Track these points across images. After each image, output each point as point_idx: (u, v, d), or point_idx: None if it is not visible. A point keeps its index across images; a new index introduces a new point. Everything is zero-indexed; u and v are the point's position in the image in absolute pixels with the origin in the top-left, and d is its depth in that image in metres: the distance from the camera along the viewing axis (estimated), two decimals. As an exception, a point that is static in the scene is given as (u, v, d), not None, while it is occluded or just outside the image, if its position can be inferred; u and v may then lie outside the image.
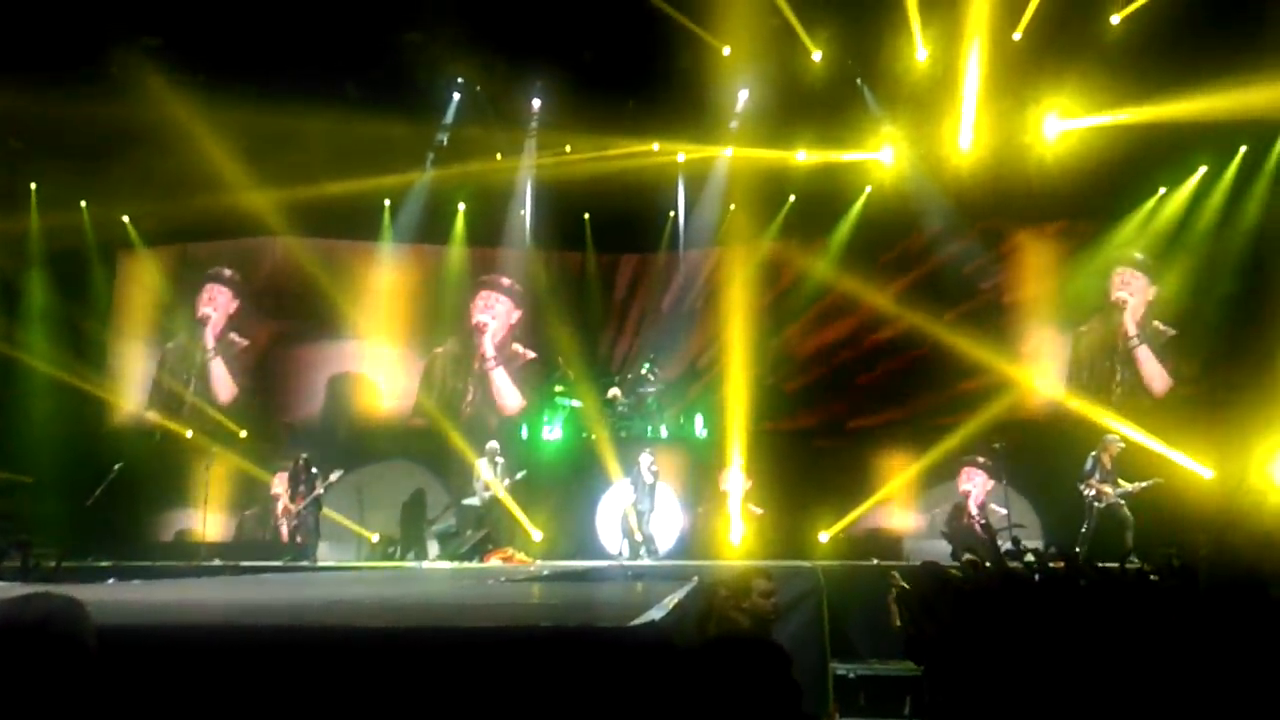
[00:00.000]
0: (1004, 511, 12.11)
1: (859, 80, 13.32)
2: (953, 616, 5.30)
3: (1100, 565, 7.44)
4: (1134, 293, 13.49)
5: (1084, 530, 10.94)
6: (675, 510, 13.04)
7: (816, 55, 12.69)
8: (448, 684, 2.78)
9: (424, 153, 14.53)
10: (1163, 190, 13.27)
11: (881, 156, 14.08)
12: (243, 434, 14.35)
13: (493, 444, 12.56)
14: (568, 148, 14.40)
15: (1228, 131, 12.04)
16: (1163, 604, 4.70)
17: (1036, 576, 7.07)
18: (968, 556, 8.45)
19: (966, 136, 13.26)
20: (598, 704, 2.70)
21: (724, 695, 2.50)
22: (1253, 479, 10.95)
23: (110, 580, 8.49)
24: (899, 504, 13.33)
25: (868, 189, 14.36)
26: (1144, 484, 10.88)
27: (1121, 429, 11.89)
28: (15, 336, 13.88)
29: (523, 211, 15.31)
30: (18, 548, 10.26)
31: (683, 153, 14.47)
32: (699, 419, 14.33)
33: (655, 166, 14.43)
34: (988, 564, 7.69)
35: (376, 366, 15.03)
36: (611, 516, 12.83)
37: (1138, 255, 13.50)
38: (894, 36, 12.31)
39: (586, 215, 15.24)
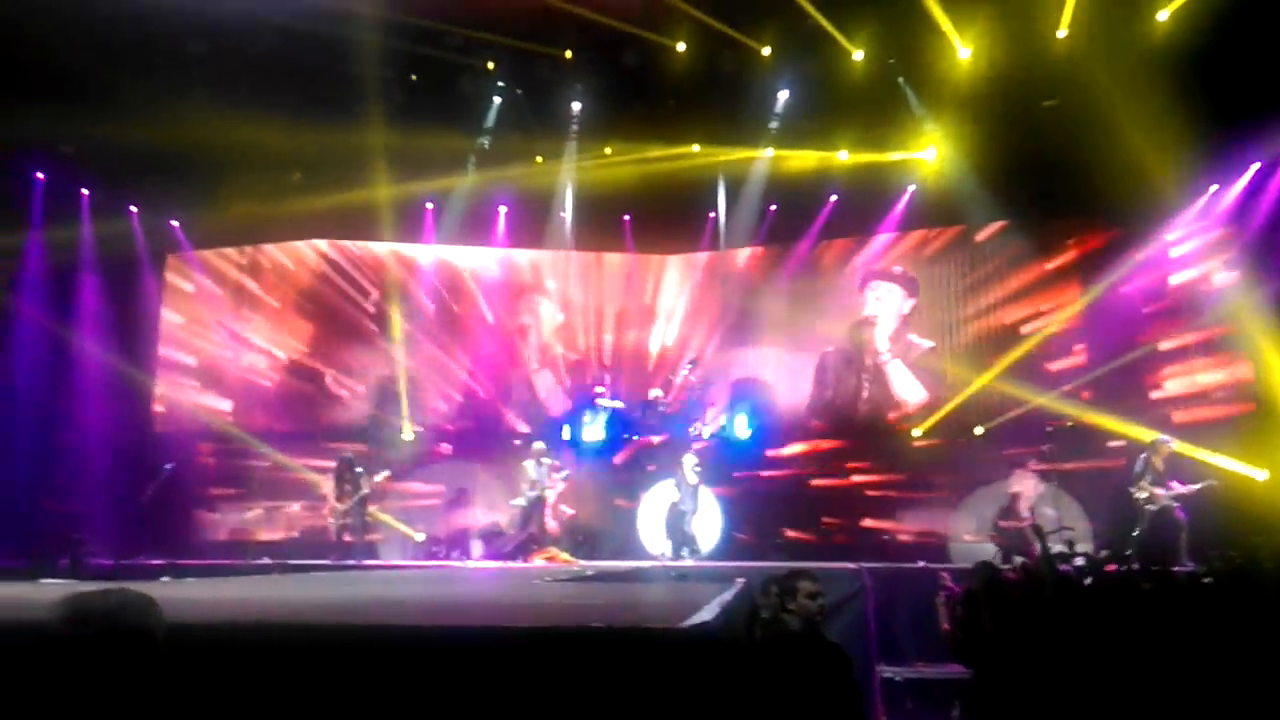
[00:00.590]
0: (1054, 514, 11.93)
1: (901, 80, 13.22)
2: (1005, 619, 5.24)
3: (1154, 569, 7.33)
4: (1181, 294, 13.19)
5: (1136, 534, 10.73)
6: (716, 511, 13.00)
7: (858, 55, 12.61)
8: (500, 683, 2.79)
9: (466, 157, 14.64)
10: (1215, 187, 12.96)
11: (925, 155, 13.96)
12: (288, 427, 14.58)
13: (538, 444, 12.61)
14: (608, 150, 14.44)
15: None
16: (1221, 607, 4.60)
17: (1088, 580, 6.97)
18: (1019, 559, 8.36)
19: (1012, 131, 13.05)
20: (649, 705, 2.69)
21: (785, 696, 2.48)
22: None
23: (164, 579, 8.64)
24: (947, 507, 13.17)
25: (911, 188, 14.23)
26: (1197, 486, 10.64)
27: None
28: (68, 340, 14.17)
29: (563, 214, 15.38)
30: (70, 547, 10.51)
31: (723, 154, 14.45)
32: (741, 419, 14.29)
33: (695, 168, 14.42)
34: (1039, 567, 7.59)
35: (425, 369, 15.16)
36: (653, 517, 12.82)
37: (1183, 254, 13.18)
38: (935, 35, 12.17)
39: (627, 217, 15.27)
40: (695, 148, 14.14)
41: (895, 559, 10.83)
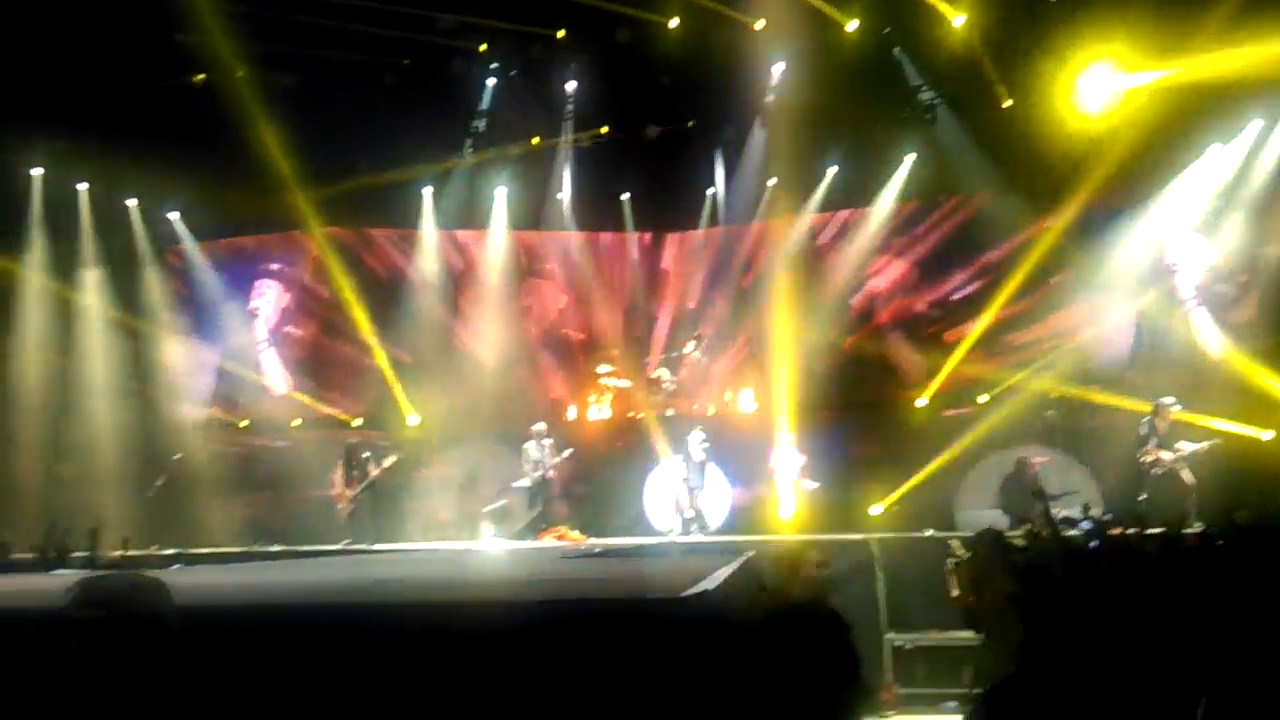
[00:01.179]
0: (1062, 481, 11.93)
1: (896, 49, 13.12)
2: (1013, 584, 5.26)
3: (1160, 532, 7.34)
4: (1188, 256, 13.15)
5: (1142, 498, 10.74)
6: (724, 487, 13.02)
7: (852, 25, 12.52)
8: (505, 654, 2.82)
9: (462, 140, 14.59)
10: (1216, 146, 12.89)
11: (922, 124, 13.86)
12: (296, 422, 14.59)
13: (539, 425, 12.64)
14: (604, 128, 14.37)
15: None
16: (1232, 567, 4.60)
17: (1094, 544, 6.99)
18: (1026, 526, 8.37)
19: (1008, 102, 13.00)
20: (650, 672, 2.71)
21: (783, 663, 2.49)
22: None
23: (176, 566, 8.70)
24: (953, 475, 13.17)
25: (910, 156, 14.15)
26: (1203, 445, 10.64)
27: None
28: (74, 334, 14.20)
29: (561, 194, 15.33)
30: (80, 539, 10.57)
31: (719, 128, 14.36)
32: (746, 395, 14.28)
33: (693, 143, 14.36)
34: (1045, 532, 7.61)
35: (429, 355, 15.15)
36: (661, 494, 12.85)
37: (1190, 217, 13.15)
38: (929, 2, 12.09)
39: (625, 195, 15.22)
40: (691, 123, 14.06)
41: (902, 529, 10.83)
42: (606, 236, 15.63)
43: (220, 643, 2.84)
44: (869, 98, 13.67)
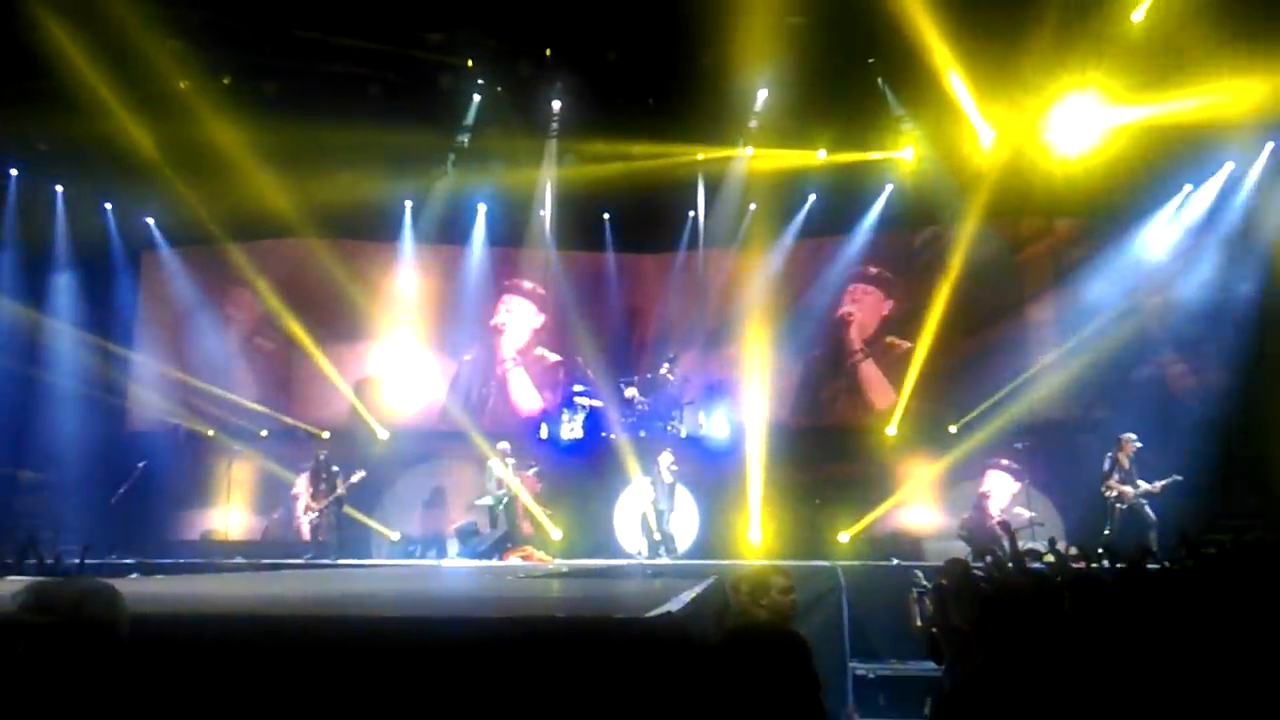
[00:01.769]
0: (1029, 515, 12.02)
1: (879, 80, 13.29)
2: (977, 614, 5.26)
3: (1122, 565, 7.39)
4: (1155, 293, 13.34)
5: (1107, 532, 10.83)
6: (693, 510, 13.01)
7: (836, 54, 12.65)
8: (463, 673, 2.79)
9: (445, 154, 14.59)
10: (1190, 187, 13.13)
11: (903, 155, 14.03)
12: (263, 433, 14.45)
13: (503, 444, 12.62)
14: (587, 149, 14.42)
15: (1254, 127, 11.87)
16: (1193, 599, 4.63)
17: (1059, 578, 7.01)
18: (989, 558, 8.39)
19: (987, 135, 13.20)
20: (613, 694, 2.69)
21: (745, 684, 2.49)
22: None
23: (133, 575, 8.57)
24: (920, 505, 13.25)
25: (889, 187, 14.30)
26: (1164, 482, 10.77)
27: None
28: (41, 338, 14.02)
29: (543, 212, 15.35)
30: (37, 545, 10.38)
31: (702, 153, 14.47)
32: (719, 418, 14.30)
33: (675, 166, 14.44)
34: (1009, 564, 7.64)
35: (402, 369, 15.08)
36: (630, 516, 12.82)
37: (1157, 254, 13.36)
38: (913, 34, 12.23)
39: (606, 215, 15.27)
40: (675, 147, 14.15)
41: (869, 557, 10.87)
42: (586, 256, 15.65)
43: (174, 653, 2.80)
44: (851, 126, 13.83)
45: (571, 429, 14.05)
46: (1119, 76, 11.90)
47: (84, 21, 10.72)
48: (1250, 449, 11.92)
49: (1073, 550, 8.97)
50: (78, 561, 9.94)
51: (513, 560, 11.34)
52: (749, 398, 14.45)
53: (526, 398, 15.24)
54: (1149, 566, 7.70)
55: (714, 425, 14.18)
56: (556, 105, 14.13)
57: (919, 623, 6.72)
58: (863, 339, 14.70)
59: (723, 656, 2.66)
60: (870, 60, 12.89)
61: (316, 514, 12.17)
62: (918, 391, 13.87)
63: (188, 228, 14.60)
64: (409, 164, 14.28)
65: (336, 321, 15.03)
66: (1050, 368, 13.38)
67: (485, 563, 11.37)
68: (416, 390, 15.05)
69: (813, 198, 14.56)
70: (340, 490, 12.23)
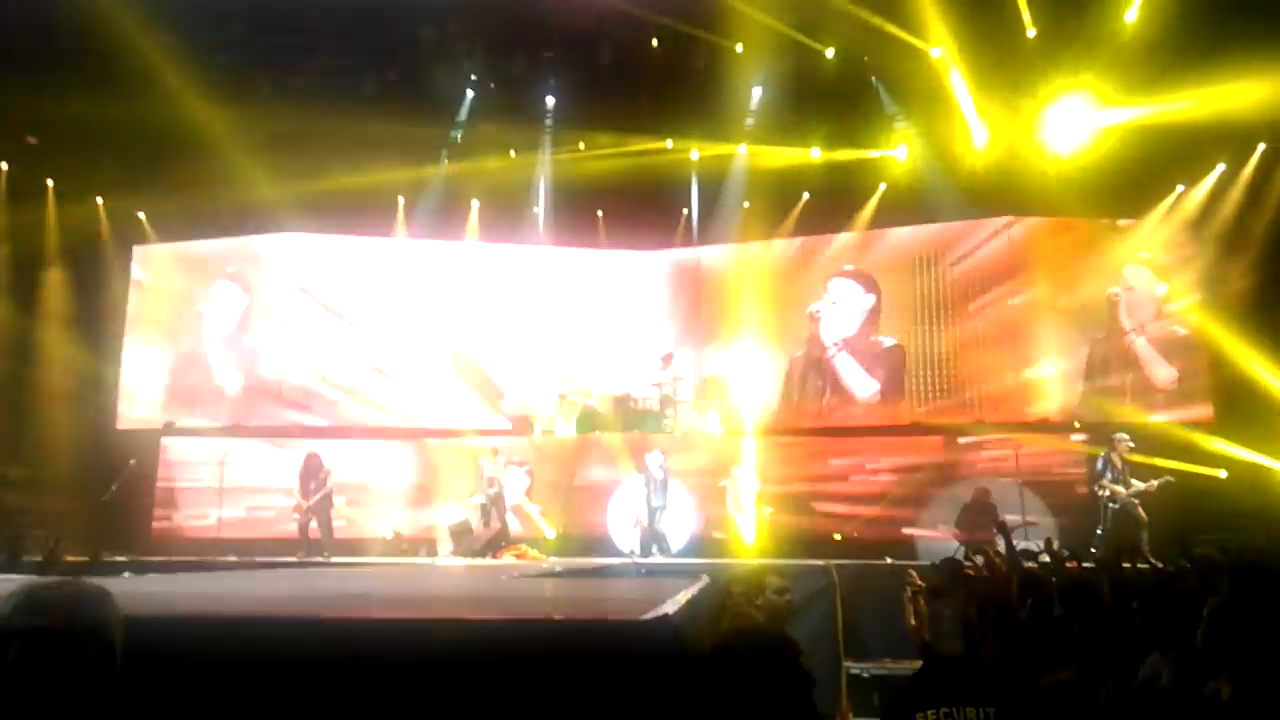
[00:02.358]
0: (1017, 518, 12.06)
1: (873, 78, 13.30)
2: (968, 615, 5.27)
3: (1114, 565, 7.41)
4: (1138, 288, 13.41)
5: (1100, 531, 10.87)
6: (688, 508, 13.01)
7: (829, 52, 12.68)
8: (458, 675, 2.78)
9: (438, 149, 14.55)
10: (1180, 188, 13.17)
11: (897, 154, 14.05)
12: (253, 424, 14.43)
13: (494, 443, 12.63)
14: (581, 145, 14.42)
15: (1246, 128, 11.91)
16: (1184, 600, 4.64)
17: (1051, 576, 7.02)
18: (979, 557, 8.40)
19: (980, 134, 13.23)
20: (610, 696, 2.69)
21: (736, 685, 2.49)
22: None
23: (126, 574, 8.53)
24: (913, 504, 13.27)
25: (883, 186, 14.31)
26: (1155, 482, 10.81)
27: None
28: (31, 333, 13.93)
29: (536, 208, 15.33)
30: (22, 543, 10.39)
31: (697, 150, 14.47)
32: (713, 416, 14.31)
33: (669, 164, 14.44)
34: (1002, 564, 7.66)
35: (385, 362, 15.05)
36: (623, 514, 12.82)
37: (1143, 254, 13.43)
38: (907, 34, 12.25)
39: (600, 212, 15.25)
40: (669, 143, 14.15)
41: (862, 556, 10.88)
42: (580, 252, 15.62)
43: (168, 654, 2.78)
44: (845, 124, 13.85)
45: (565, 426, 14.03)
46: (1111, 77, 11.92)
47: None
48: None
49: (1065, 551, 8.99)
50: (68, 560, 9.93)
51: (506, 559, 11.33)
52: (743, 394, 14.47)
53: (524, 393, 15.27)
54: (1139, 566, 7.74)
55: (708, 422, 14.18)
56: (550, 101, 14.12)
57: (913, 622, 6.73)
58: (843, 335, 14.67)
59: (715, 661, 2.66)
60: (864, 58, 12.90)
61: (308, 512, 12.11)
62: (910, 389, 13.91)
63: (180, 221, 14.52)
64: (401, 159, 14.21)
65: (331, 317, 15.03)
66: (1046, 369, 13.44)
67: (479, 561, 11.35)
68: (410, 385, 15.01)
69: (807, 195, 14.56)
70: (330, 487, 12.18)
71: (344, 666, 2.82)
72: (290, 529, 12.50)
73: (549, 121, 14.40)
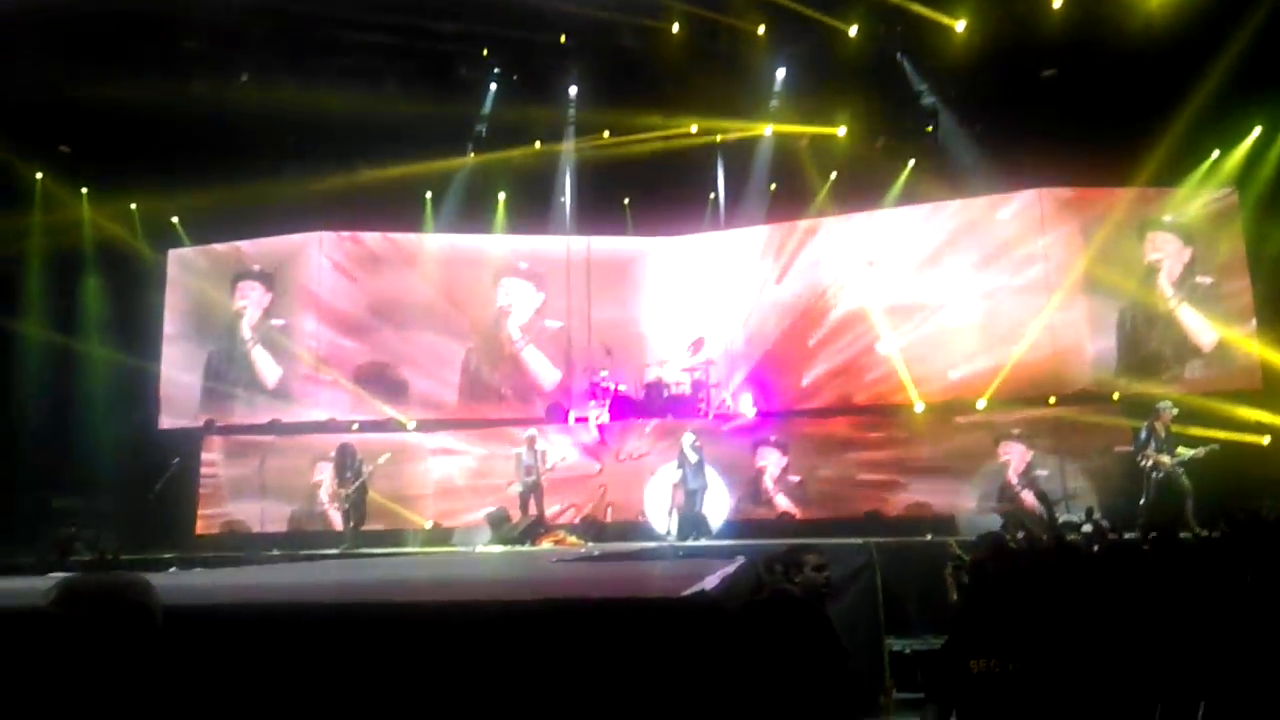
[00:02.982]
0: (1044, 473, 11.92)
1: (899, 54, 13.15)
2: (1011, 589, 5.23)
3: (1159, 535, 7.32)
4: (1168, 255, 13.20)
5: (1143, 502, 10.72)
6: (722, 490, 13.01)
7: (852, 30, 12.56)
8: (502, 655, 2.81)
9: (464, 142, 14.61)
10: (1217, 153, 12.92)
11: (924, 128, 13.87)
12: (290, 419, 14.59)
13: (531, 431, 12.69)
14: (605, 133, 14.40)
15: None
16: (1227, 567, 4.59)
17: (1095, 548, 6.96)
18: (1021, 532, 8.34)
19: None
20: (649, 670, 2.71)
21: (766, 655, 2.49)
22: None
23: (172, 569, 8.69)
24: (950, 479, 13.17)
25: (911, 162, 14.15)
26: (1201, 450, 10.63)
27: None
28: (73, 340, 14.18)
29: (563, 198, 15.34)
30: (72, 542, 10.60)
31: (721, 133, 14.39)
32: (746, 398, 14.27)
33: (695, 148, 14.39)
34: (1043, 537, 7.59)
35: (416, 356, 15.15)
36: (659, 498, 12.84)
37: (1167, 218, 13.20)
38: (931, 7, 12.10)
39: (626, 200, 15.23)
40: (694, 128, 14.09)
41: (903, 533, 10.82)
42: (608, 240, 15.60)
43: (210, 643, 2.84)
44: (871, 102, 13.70)
45: (599, 414, 14.06)
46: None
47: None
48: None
49: (1107, 523, 8.91)
50: (115, 556, 10.14)
51: (545, 546, 11.38)
52: (777, 377, 14.42)
53: (545, 373, 15.31)
54: (1182, 536, 7.64)
55: (742, 405, 14.15)
56: (573, 90, 14.11)
57: (955, 597, 6.70)
58: (883, 313, 14.52)
59: (744, 626, 2.67)
60: (887, 32, 12.75)
61: (344, 501, 12.22)
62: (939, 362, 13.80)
63: (214, 224, 14.70)
64: (427, 153, 14.27)
65: (355, 312, 15.16)
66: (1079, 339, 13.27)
67: (518, 549, 11.42)
68: (439, 376, 15.10)
69: (835, 175, 14.44)
70: (368, 473, 12.29)
71: (389, 650, 2.86)
72: (331, 521, 12.64)
73: (572, 111, 14.39)
